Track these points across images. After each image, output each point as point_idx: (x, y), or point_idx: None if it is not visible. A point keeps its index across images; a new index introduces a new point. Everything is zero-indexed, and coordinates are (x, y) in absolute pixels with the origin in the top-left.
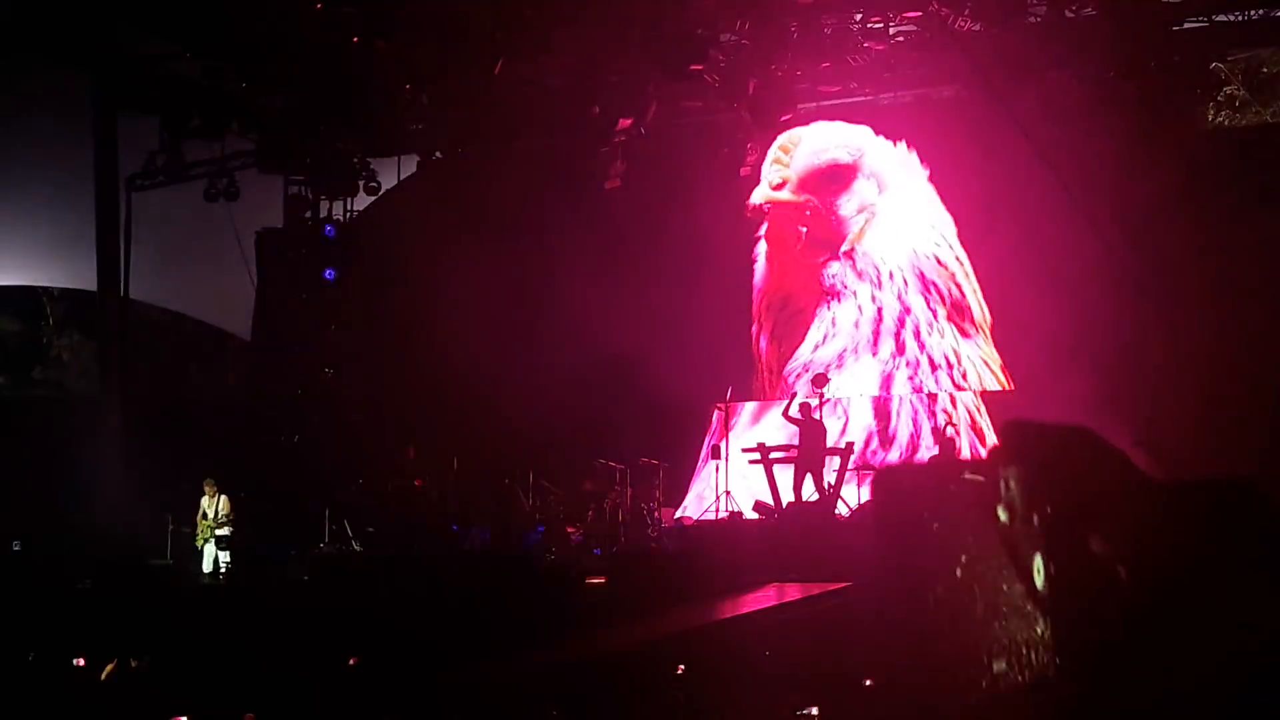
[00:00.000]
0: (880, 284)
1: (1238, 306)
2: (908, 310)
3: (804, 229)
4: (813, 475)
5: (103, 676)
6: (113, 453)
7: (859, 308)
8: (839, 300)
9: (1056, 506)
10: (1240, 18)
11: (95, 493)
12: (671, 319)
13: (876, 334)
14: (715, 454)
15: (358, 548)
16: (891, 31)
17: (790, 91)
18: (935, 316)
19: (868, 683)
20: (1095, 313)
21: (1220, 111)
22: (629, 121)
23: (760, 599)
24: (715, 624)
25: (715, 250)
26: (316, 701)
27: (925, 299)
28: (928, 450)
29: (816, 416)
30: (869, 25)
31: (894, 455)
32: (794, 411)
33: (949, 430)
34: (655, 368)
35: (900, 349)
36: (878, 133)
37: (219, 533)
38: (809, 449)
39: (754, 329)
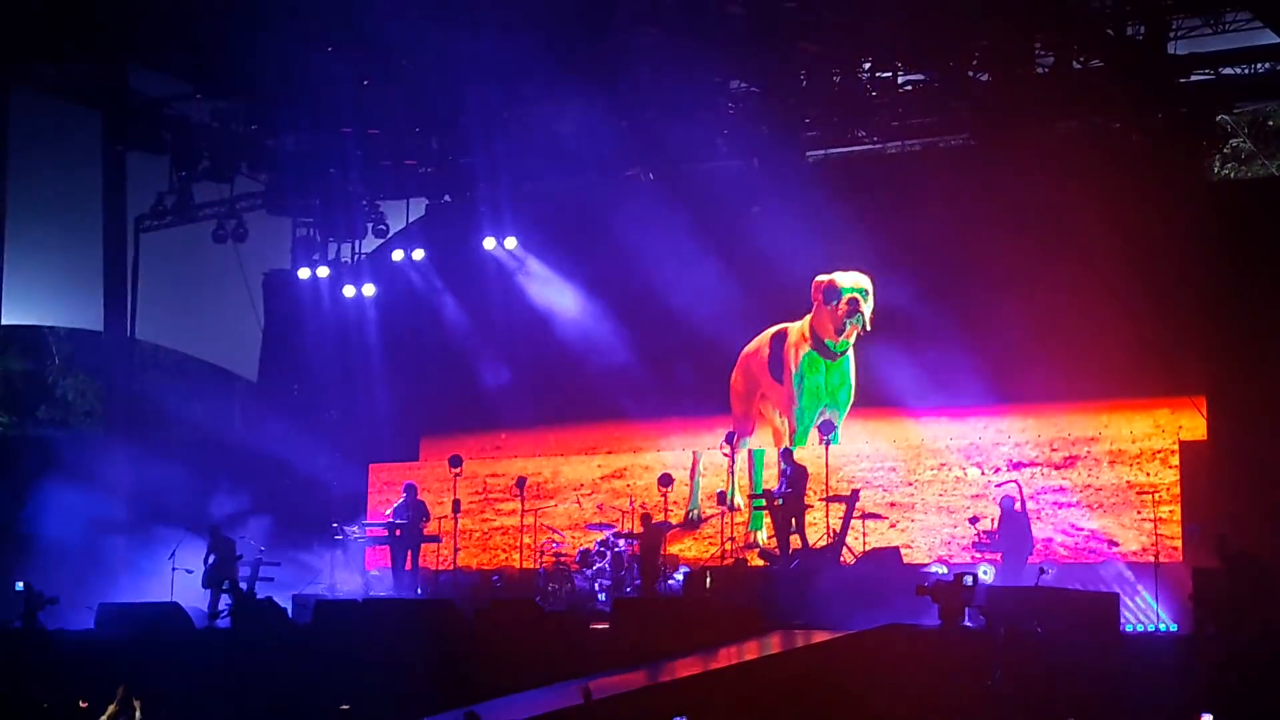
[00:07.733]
0: None
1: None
2: None
3: None
4: (796, 519)
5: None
6: (117, 492)
7: None
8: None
9: None
10: (1246, 71)
11: (98, 532)
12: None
13: None
14: (721, 500)
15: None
16: (900, 81)
17: (798, 140)
18: None
19: None
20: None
21: (1226, 164)
22: (637, 168)
23: (764, 646)
24: (717, 671)
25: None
26: None
27: None
28: None
29: (797, 461)
30: (877, 75)
31: None
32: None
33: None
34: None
35: None
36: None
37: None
38: (791, 494)
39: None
